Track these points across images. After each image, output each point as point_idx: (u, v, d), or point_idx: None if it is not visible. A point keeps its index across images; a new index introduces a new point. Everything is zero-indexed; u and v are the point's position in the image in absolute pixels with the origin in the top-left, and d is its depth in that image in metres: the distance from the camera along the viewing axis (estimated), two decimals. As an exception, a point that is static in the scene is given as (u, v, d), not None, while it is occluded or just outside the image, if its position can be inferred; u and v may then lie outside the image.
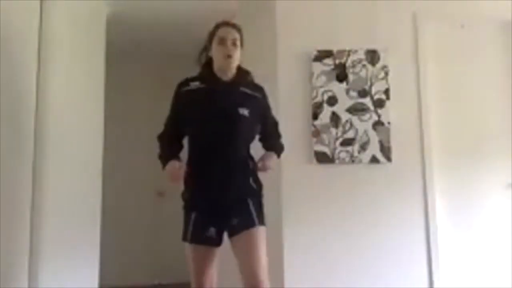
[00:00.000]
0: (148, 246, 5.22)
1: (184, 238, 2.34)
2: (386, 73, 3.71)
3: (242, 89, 2.39)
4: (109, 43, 3.97)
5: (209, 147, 2.32)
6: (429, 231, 3.59)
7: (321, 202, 3.62)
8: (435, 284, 3.54)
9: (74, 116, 3.26)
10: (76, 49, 3.33)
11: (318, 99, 3.66)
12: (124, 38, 4.65)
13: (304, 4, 3.81)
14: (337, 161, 3.61)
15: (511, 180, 3.68)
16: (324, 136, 3.63)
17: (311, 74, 3.69)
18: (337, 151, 3.62)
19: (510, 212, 3.68)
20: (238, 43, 2.38)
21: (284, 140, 2.66)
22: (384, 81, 3.70)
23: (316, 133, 3.63)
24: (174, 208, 5.11)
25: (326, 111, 3.66)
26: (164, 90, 5.36)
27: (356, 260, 3.53)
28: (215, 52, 2.38)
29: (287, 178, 3.58)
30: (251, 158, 2.42)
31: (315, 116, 3.64)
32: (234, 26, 2.42)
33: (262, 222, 2.31)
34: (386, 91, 3.69)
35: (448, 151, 3.71)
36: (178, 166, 2.28)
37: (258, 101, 2.42)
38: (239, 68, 2.45)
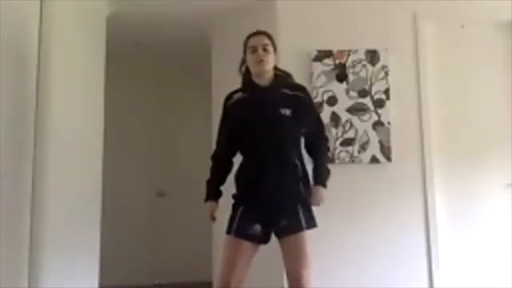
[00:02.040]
0: (148, 246, 5.21)
1: (228, 232, 2.38)
2: (386, 73, 3.71)
3: (283, 90, 2.48)
4: (109, 43, 3.97)
5: (259, 150, 2.41)
6: (429, 231, 3.59)
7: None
8: (435, 284, 3.54)
9: (74, 116, 3.26)
10: (76, 49, 3.33)
11: (318, 99, 3.66)
12: (124, 38, 4.64)
13: (304, 4, 3.81)
14: (337, 161, 3.61)
15: (511, 181, 3.68)
16: (324, 136, 3.63)
17: (311, 74, 3.69)
18: (337, 151, 3.62)
19: (510, 212, 3.68)
20: (270, 48, 2.48)
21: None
22: (384, 81, 3.70)
23: (316, 133, 3.63)
24: (174, 208, 5.24)
25: (326, 111, 3.66)
26: (164, 90, 5.48)
27: (356, 260, 3.53)
28: (249, 61, 2.49)
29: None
30: (302, 163, 2.45)
31: (315, 116, 3.64)
32: (263, 33, 2.53)
33: (310, 225, 2.39)
34: (386, 91, 3.69)
35: (448, 150, 3.71)
36: (213, 211, 2.44)
37: (301, 100, 2.48)
38: (278, 71, 2.54)
